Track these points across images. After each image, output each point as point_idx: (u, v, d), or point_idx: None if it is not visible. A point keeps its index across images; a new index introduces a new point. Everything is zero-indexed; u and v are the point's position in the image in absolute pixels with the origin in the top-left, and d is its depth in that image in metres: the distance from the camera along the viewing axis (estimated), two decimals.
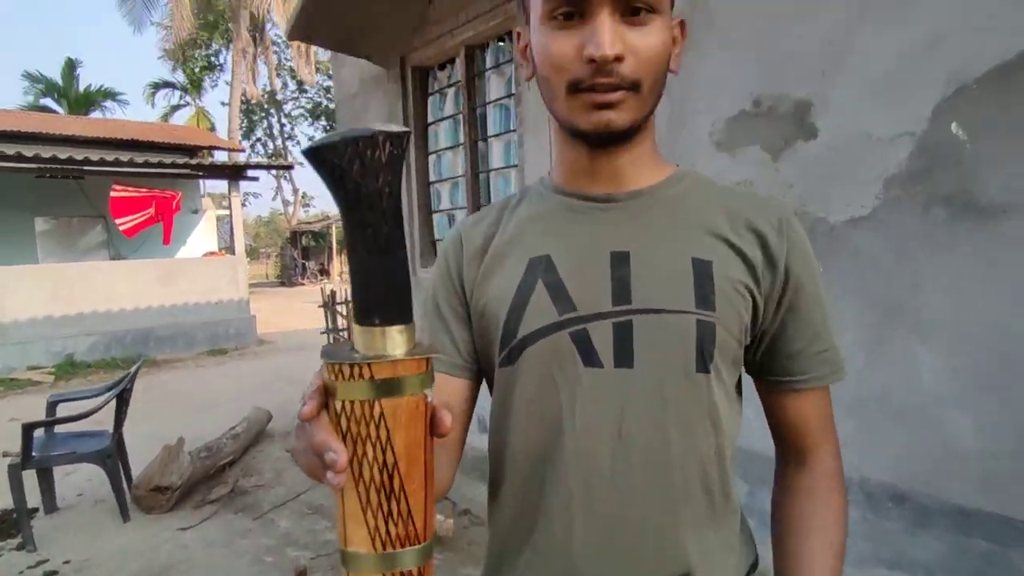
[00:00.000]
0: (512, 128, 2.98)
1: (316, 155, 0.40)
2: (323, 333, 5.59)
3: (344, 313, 5.37)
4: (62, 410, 3.62)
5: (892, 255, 1.71)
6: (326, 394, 0.42)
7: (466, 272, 0.75)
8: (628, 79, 0.62)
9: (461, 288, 0.76)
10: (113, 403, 3.53)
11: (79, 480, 4.02)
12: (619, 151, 0.69)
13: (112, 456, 3.41)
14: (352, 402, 0.41)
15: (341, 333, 5.41)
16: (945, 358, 1.63)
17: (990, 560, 1.59)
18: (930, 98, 1.58)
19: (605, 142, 0.67)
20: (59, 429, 3.58)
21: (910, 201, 1.65)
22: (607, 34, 0.60)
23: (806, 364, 0.71)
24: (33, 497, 3.41)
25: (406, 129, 0.42)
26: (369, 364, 0.40)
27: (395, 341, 0.42)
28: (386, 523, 0.42)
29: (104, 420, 3.55)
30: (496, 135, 3.10)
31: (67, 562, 3.01)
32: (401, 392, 0.41)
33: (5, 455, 3.28)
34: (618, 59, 0.60)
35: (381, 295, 0.42)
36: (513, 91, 2.93)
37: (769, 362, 0.72)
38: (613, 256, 0.68)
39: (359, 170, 0.40)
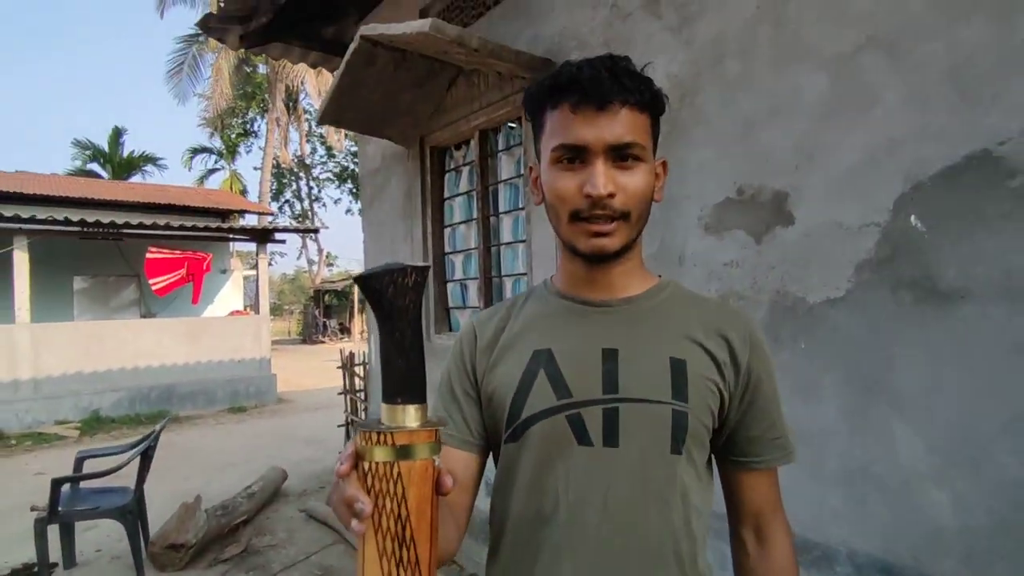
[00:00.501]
0: (521, 206, 3.20)
1: (362, 281, 0.58)
2: (340, 394, 5.72)
3: (361, 375, 5.52)
4: (88, 466, 3.77)
5: (866, 333, 1.82)
6: (357, 457, 0.56)
7: (478, 361, 0.90)
8: (619, 211, 0.78)
9: (473, 374, 0.90)
10: (137, 460, 3.67)
11: (98, 535, 4.13)
12: (612, 266, 0.86)
13: (132, 512, 3.52)
14: (377, 463, 0.54)
15: (358, 394, 5.54)
16: (920, 433, 1.71)
17: None
18: (891, 192, 1.73)
19: (600, 261, 0.83)
20: (84, 484, 3.72)
21: (879, 285, 1.78)
22: (601, 176, 0.77)
23: (762, 448, 0.86)
24: (54, 551, 3.51)
25: (427, 264, 0.62)
26: (391, 433, 0.54)
27: (411, 416, 0.55)
28: (397, 568, 0.52)
29: (126, 474, 3.69)
30: (506, 211, 3.31)
31: None
32: (415, 456, 0.54)
33: (33, 509, 3.42)
34: (611, 196, 0.77)
35: (403, 381, 0.57)
36: (522, 171, 3.16)
37: (731, 445, 0.87)
38: (604, 352, 0.82)
39: (393, 292, 0.57)
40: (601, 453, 0.79)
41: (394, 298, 0.56)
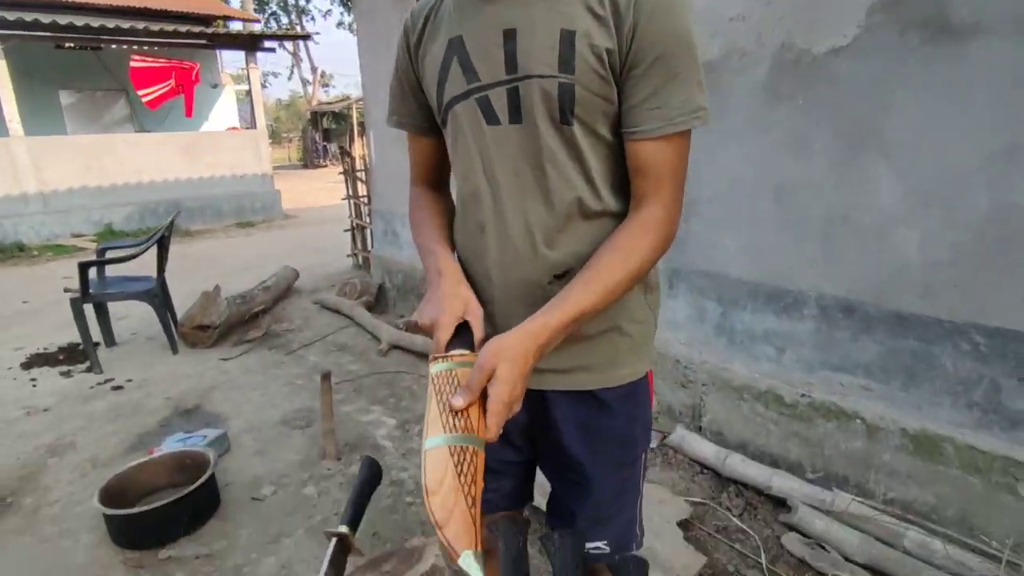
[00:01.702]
0: None
1: None
2: (344, 199, 5.79)
3: (364, 179, 5.53)
4: (110, 257, 3.97)
5: (867, 82, 1.78)
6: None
7: (413, 54, 0.96)
8: None
9: (412, 68, 0.97)
10: (154, 251, 3.86)
11: (131, 323, 4.48)
12: None
13: (158, 296, 3.78)
14: (440, 371, 0.76)
15: (362, 199, 5.61)
16: (902, 178, 1.75)
17: (917, 357, 1.81)
18: None
19: None
20: (109, 273, 3.96)
21: (889, 27, 1.70)
22: None
23: (640, 117, 0.81)
24: (93, 334, 3.84)
25: None
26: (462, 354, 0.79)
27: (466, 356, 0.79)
28: (453, 420, 0.71)
29: (146, 270, 3.91)
30: None
31: (129, 380, 3.47)
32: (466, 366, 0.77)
33: (67, 291, 3.67)
34: None
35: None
36: None
37: (622, 114, 0.83)
38: (504, 32, 0.82)
39: None
40: (508, 130, 0.85)
41: None
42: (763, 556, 1.85)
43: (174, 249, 4.19)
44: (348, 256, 6.07)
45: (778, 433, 2.16)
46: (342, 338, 4.07)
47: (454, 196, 1.01)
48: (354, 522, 0.89)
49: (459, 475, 0.68)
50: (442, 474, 0.67)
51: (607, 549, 1.02)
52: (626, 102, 0.82)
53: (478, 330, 0.83)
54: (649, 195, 0.84)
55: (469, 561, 0.62)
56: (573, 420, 0.96)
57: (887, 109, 1.76)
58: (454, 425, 0.71)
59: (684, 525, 1.96)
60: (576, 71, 0.79)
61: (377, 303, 4.67)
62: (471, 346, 0.81)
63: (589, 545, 1.02)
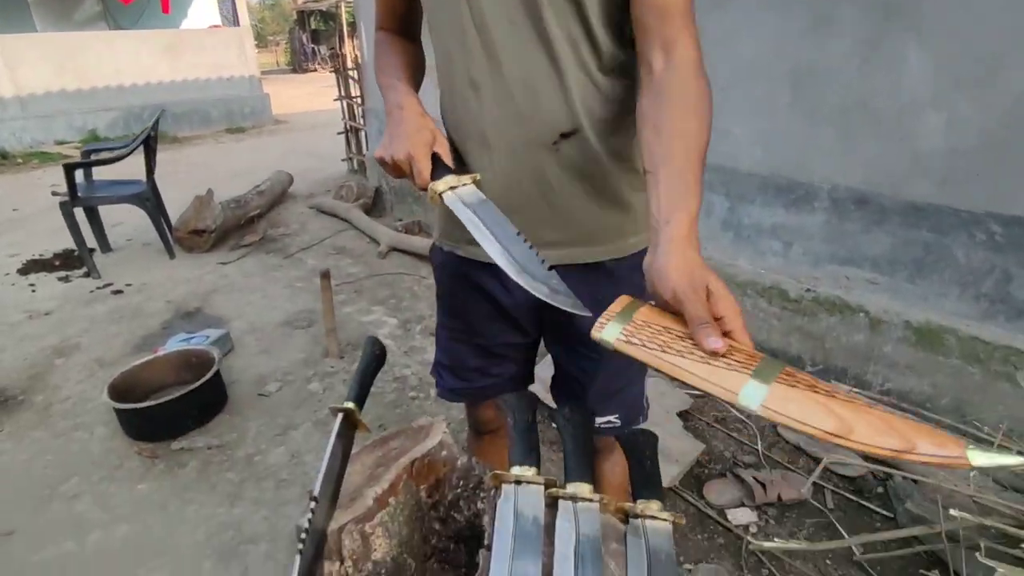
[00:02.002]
0: None
1: None
2: (336, 100, 5.54)
3: (356, 78, 5.26)
4: (94, 160, 3.83)
5: None
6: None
7: None
8: None
9: None
10: (142, 156, 3.71)
11: (126, 229, 4.41)
12: None
13: (150, 199, 3.69)
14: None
15: (355, 99, 5.36)
16: (932, 58, 1.63)
17: (929, 249, 1.77)
18: None
19: None
20: (97, 177, 3.83)
21: None
22: None
23: None
24: (88, 240, 3.78)
25: None
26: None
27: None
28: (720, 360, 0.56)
29: (137, 172, 3.79)
30: None
31: (128, 285, 3.46)
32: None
33: (55, 194, 3.58)
34: None
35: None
36: None
37: None
38: None
39: None
40: None
41: None
42: (759, 443, 1.90)
43: (163, 156, 4.04)
44: (343, 160, 5.89)
45: (780, 328, 2.16)
46: (340, 241, 4.02)
47: (436, 55, 0.90)
48: (360, 399, 0.88)
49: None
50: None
51: (618, 423, 1.03)
52: None
53: (448, 161, 0.80)
54: (676, 35, 0.73)
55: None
56: (585, 293, 0.92)
57: None
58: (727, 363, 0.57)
59: (684, 416, 2.01)
60: None
61: (374, 206, 4.58)
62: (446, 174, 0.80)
63: (600, 420, 1.02)
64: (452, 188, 0.79)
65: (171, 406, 2.06)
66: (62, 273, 3.70)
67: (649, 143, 0.71)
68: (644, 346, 0.60)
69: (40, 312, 3.15)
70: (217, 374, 2.22)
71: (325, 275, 2.41)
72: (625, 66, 0.82)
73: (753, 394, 0.54)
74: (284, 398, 2.31)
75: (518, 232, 0.75)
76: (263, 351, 2.67)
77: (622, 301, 0.66)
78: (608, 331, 0.63)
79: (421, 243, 3.52)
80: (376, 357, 0.95)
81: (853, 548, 1.52)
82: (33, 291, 3.45)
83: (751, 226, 2.20)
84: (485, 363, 1.06)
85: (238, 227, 4.25)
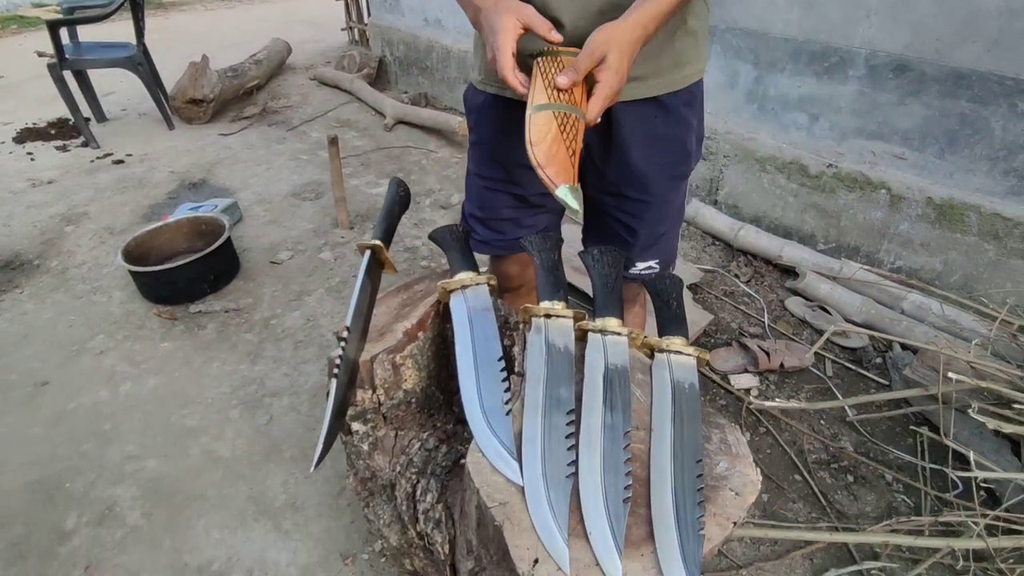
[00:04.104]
0: None
1: None
2: None
3: None
4: (79, 18, 3.59)
5: None
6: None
7: None
8: None
9: None
10: (129, 17, 3.47)
11: (120, 99, 4.23)
12: None
13: (143, 64, 3.50)
14: (548, 58, 0.77)
15: None
16: None
17: (965, 120, 1.70)
18: None
19: None
20: (84, 40, 3.61)
21: None
22: None
23: None
24: (82, 109, 3.63)
25: None
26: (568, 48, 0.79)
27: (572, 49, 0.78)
28: (558, 95, 0.73)
29: (125, 38, 3.56)
30: None
31: (129, 155, 3.37)
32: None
33: (41, 55, 3.39)
34: None
35: None
36: None
37: None
38: None
39: None
40: None
41: None
42: (766, 316, 1.94)
43: (149, 23, 3.76)
44: (343, 30, 5.53)
45: (796, 205, 2.13)
46: (344, 114, 3.87)
47: None
48: (386, 237, 0.88)
49: (562, 131, 0.72)
50: (545, 130, 0.71)
51: (657, 267, 1.04)
52: None
53: (543, 27, 0.77)
54: None
55: (565, 192, 0.68)
56: (640, 132, 0.92)
57: None
58: (558, 97, 0.74)
59: (693, 289, 2.03)
60: None
61: (378, 78, 4.37)
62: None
63: (642, 265, 1.03)
64: (464, 287, 0.82)
65: (186, 270, 2.08)
66: (59, 142, 3.60)
67: None
68: (541, 72, 0.76)
69: (43, 181, 3.10)
70: (228, 241, 2.22)
71: (333, 142, 2.34)
72: None
73: (538, 108, 0.73)
74: (296, 266, 2.33)
75: (500, 358, 0.76)
76: (272, 221, 2.66)
77: (571, 49, 0.78)
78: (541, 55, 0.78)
79: (429, 115, 3.39)
80: (401, 198, 0.94)
81: (846, 408, 1.59)
82: (32, 160, 3.38)
83: (777, 98, 2.10)
84: (520, 213, 1.05)
85: (237, 98, 4.08)
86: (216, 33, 6.46)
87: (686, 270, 2.08)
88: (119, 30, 3.45)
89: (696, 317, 1.87)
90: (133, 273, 2.10)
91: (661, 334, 0.80)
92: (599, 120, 0.75)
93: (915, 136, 1.81)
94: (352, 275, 2.25)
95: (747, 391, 1.67)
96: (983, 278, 1.76)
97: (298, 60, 5.06)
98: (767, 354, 1.72)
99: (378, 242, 0.84)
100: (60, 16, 3.31)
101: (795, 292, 2.02)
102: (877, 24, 1.78)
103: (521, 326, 0.80)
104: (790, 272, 2.09)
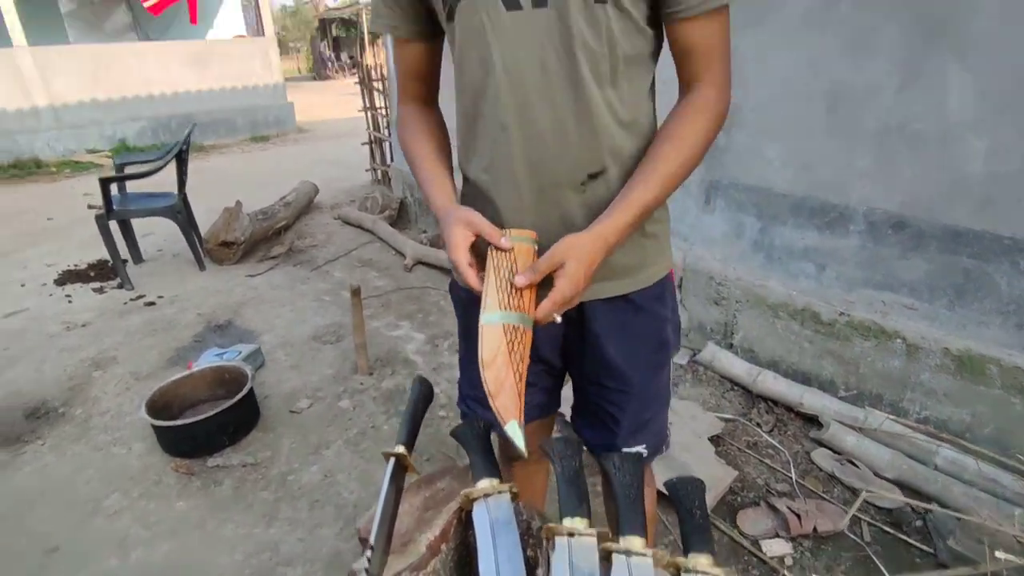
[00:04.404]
0: None
1: None
2: (361, 111, 5.60)
3: (381, 89, 5.32)
4: (128, 172, 3.92)
5: None
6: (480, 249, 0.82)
7: None
8: None
9: None
10: (174, 167, 3.79)
11: (157, 240, 4.50)
12: None
13: (182, 212, 3.76)
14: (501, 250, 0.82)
15: (379, 110, 5.42)
16: (974, 81, 1.61)
17: (969, 275, 1.74)
18: None
19: None
20: (130, 189, 3.92)
21: None
22: None
23: None
24: (121, 251, 3.86)
25: None
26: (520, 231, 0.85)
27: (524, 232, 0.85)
28: (509, 298, 0.77)
29: (166, 187, 3.87)
30: None
31: (160, 296, 3.53)
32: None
33: (91, 207, 3.67)
34: None
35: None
36: None
37: None
38: None
39: None
40: (529, 15, 0.78)
41: None
42: (793, 471, 1.88)
43: (190, 165, 4.13)
44: (367, 171, 5.95)
45: (812, 351, 2.14)
46: (366, 254, 4.06)
47: (461, 94, 0.91)
48: (410, 442, 0.89)
49: (511, 352, 0.75)
50: (495, 350, 0.74)
51: (646, 452, 1.04)
52: None
53: (493, 235, 0.82)
54: (700, 74, 0.83)
55: (514, 429, 0.71)
56: (612, 328, 0.96)
57: (963, 2, 1.58)
58: (509, 303, 0.77)
59: (715, 441, 2.00)
60: None
61: (399, 218, 4.62)
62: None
63: (629, 451, 1.03)
64: (486, 496, 0.82)
65: (207, 424, 2.10)
66: (96, 284, 3.79)
67: (650, 149, 0.85)
68: (494, 267, 0.80)
69: (77, 324, 3.23)
70: (250, 392, 2.26)
71: (356, 292, 2.44)
72: (647, 106, 0.89)
73: (490, 318, 0.77)
74: (315, 415, 2.34)
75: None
76: (293, 366, 2.71)
77: (524, 232, 0.84)
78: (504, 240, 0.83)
79: (447, 257, 3.54)
80: (424, 397, 0.96)
81: None
82: (69, 302, 3.54)
83: (782, 248, 2.18)
84: None
85: (265, 238, 4.32)
86: (251, 173, 6.97)
87: (706, 420, 2.05)
88: (162, 175, 3.75)
89: (720, 473, 1.82)
90: (154, 426, 2.12)
91: (686, 548, 0.79)
92: (554, 319, 0.79)
93: (923, 288, 1.85)
94: (370, 425, 2.25)
95: (781, 560, 1.58)
96: (1016, 432, 1.72)
97: (325, 199, 5.41)
98: (798, 516, 1.65)
99: (402, 451, 0.86)
100: (112, 173, 3.61)
101: (820, 443, 1.97)
102: (870, 184, 1.89)
103: (544, 543, 0.79)
104: (813, 421, 2.05)
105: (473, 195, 0.94)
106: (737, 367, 2.29)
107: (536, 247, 0.86)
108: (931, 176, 1.75)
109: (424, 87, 1.01)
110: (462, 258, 0.82)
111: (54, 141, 8.12)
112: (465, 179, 0.97)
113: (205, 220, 4.26)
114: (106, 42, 9.75)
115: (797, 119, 2.03)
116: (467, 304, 1.05)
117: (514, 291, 0.78)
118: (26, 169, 7.67)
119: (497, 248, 0.83)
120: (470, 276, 0.81)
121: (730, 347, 2.42)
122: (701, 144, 0.82)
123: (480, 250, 0.84)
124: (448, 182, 0.92)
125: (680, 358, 2.49)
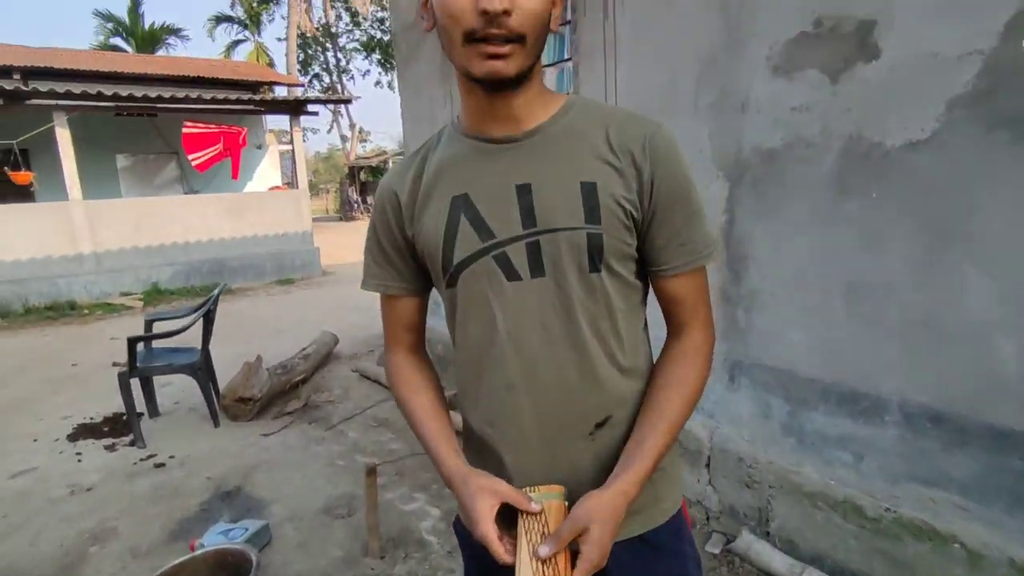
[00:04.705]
0: (567, 57, 2.97)
1: None
2: None
3: None
4: (157, 327, 4.03)
5: (950, 178, 1.68)
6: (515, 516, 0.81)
7: (405, 217, 0.92)
8: (515, 32, 0.74)
9: (401, 231, 0.93)
10: (200, 323, 3.89)
11: (174, 391, 4.51)
12: (512, 96, 0.82)
13: (202, 369, 3.80)
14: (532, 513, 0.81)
15: None
16: (996, 284, 1.62)
17: (1023, 479, 1.64)
18: (1002, 11, 1.51)
19: (497, 87, 0.80)
20: (156, 344, 4.00)
21: (973, 123, 1.61)
22: None
23: (669, 255, 0.86)
24: (138, 403, 3.86)
25: None
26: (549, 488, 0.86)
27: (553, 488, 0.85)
28: (542, 567, 0.76)
29: (191, 339, 3.95)
30: (550, 64, 3.09)
31: (172, 457, 3.45)
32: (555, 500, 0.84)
33: (115, 365, 3.72)
34: (506, 13, 0.72)
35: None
36: (569, 18, 2.90)
37: (645, 254, 0.88)
38: (518, 188, 0.83)
39: None
40: (529, 285, 0.84)
41: None
42: None
43: (216, 309, 4.27)
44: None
45: (859, 548, 1.97)
46: (383, 412, 4.00)
47: (462, 352, 0.94)
48: None
49: None
50: None
51: None
52: (652, 242, 0.86)
53: (521, 502, 0.82)
54: (687, 321, 0.90)
55: None
56: (634, 569, 0.92)
57: (974, 207, 1.65)
58: (544, 572, 0.76)
59: None
60: (603, 221, 0.82)
61: None
62: (514, 519, 0.82)
63: None
64: None
65: None
66: (109, 440, 3.74)
67: (649, 397, 0.89)
68: (525, 532, 0.79)
69: (83, 487, 3.13)
70: None
71: (371, 472, 2.36)
72: (644, 347, 0.94)
73: None
74: None
75: None
76: (301, 544, 2.55)
77: (552, 488, 0.85)
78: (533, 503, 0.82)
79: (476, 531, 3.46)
80: None
81: None
82: (79, 460, 3.47)
83: (815, 433, 2.10)
84: None
85: (282, 392, 4.30)
86: (274, 318, 7.14)
87: None
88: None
89: None
90: None
91: None
92: None
93: (973, 488, 1.74)
94: None
95: None
96: None
97: (344, 347, 5.46)
98: None
99: None
100: (140, 334, 3.71)
101: None
102: (901, 376, 1.85)
103: None
104: None
105: (477, 445, 0.94)
106: (777, 561, 2.10)
107: (567, 501, 0.84)
108: (965, 372, 1.71)
109: (415, 336, 1.03)
110: (491, 533, 0.79)
111: (91, 284, 8.50)
112: (466, 424, 0.97)
113: (224, 368, 4.28)
114: (154, 194, 10.57)
115: (817, 306, 2.04)
116: (471, 548, 0.99)
117: (546, 560, 0.76)
118: (60, 311, 7.95)
119: (527, 513, 0.80)
120: (501, 551, 0.78)
121: (767, 535, 2.25)
122: (701, 385, 0.88)
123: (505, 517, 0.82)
124: (453, 439, 0.92)
125: (713, 546, 2.31)
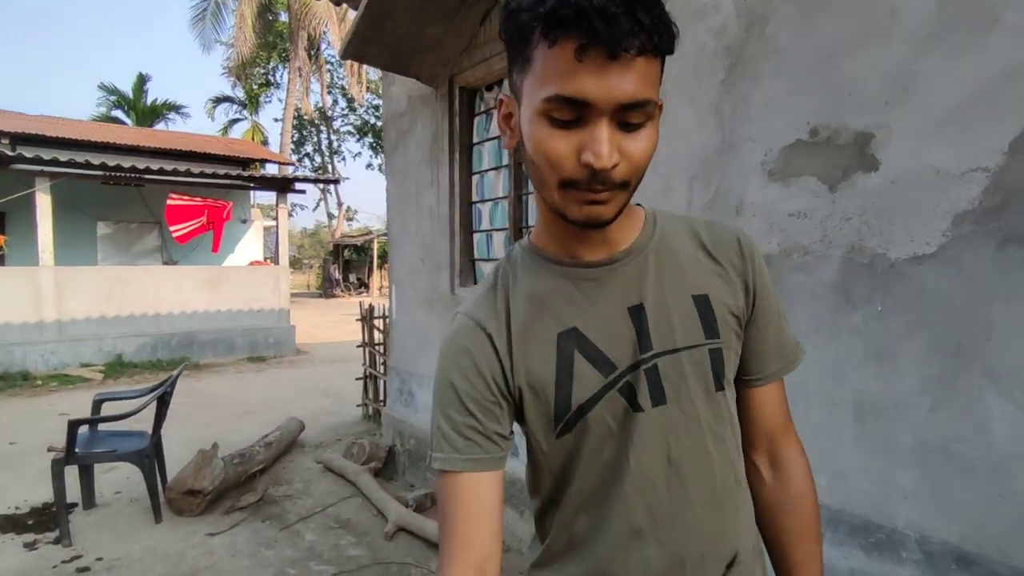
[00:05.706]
0: None
1: None
2: (359, 347, 5.62)
3: (381, 328, 5.40)
4: (106, 408, 3.72)
5: (962, 295, 1.59)
6: None
7: (505, 365, 0.76)
8: (620, 181, 0.66)
9: (497, 384, 0.76)
10: (154, 405, 3.61)
11: (118, 477, 4.12)
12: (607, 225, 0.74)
13: (150, 457, 3.47)
14: None
15: (377, 347, 5.43)
16: (1017, 407, 1.50)
17: None
18: (1006, 131, 1.48)
19: (594, 227, 0.71)
20: (102, 427, 3.68)
21: (982, 239, 1.54)
22: (606, 145, 0.62)
23: (765, 363, 0.83)
24: (73, 492, 3.50)
25: None
26: None
27: None
28: None
29: (143, 420, 3.64)
30: None
31: (99, 559, 3.06)
32: None
33: (50, 450, 3.38)
34: (614, 167, 0.64)
35: None
36: None
37: (743, 364, 0.83)
38: (630, 311, 0.76)
39: None
40: (652, 415, 0.76)
41: None
42: None
43: (180, 385, 3.95)
44: (358, 406, 5.77)
45: None
46: (345, 511, 3.66)
47: (565, 512, 0.80)
48: None
49: None
50: None
51: None
52: (752, 350, 0.82)
53: None
54: (783, 433, 0.87)
55: None
56: None
57: (991, 326, 1.54)
58: None
59: None
60: (721, 334, 0.78)
61: (386, 467, 4.29)
62: None
63: None
64: None
65: None
66: (31, 536, 3.33)
67: (778, 562, 0.87)
68: None
69: None
70: None
71: None
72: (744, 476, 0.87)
73: None
74: None
75: None
76: None
77: None
78: None
79: (433, 528, 3.15)
80: None
81: None
82: None
83: (827, 566, 1.88)
84: None
85: (237, 484, 3.94)
86: (239, 398, 6.77)
87: None
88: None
89: None
90: None
91: None
92: None
93: None
94: None
95: None
96: None
97: (310, 435, 5.13)
98: None
99: None
100: (83, 417, 3.41)
101: None
102: (918, 507, 1.67)
103: None
104: None
105: None
106: None
107: None
108: (992, 507, 1.54)
109: (492, 530, 0.74)
110: None
111: (49, 354, 8.09)
112: None
113: (177, 453, 3.93)
114: (132, 262, 10.37)
115: (821, 425, 1.89)
116: None
117: None
118: (10, 381, 7.49)
119: None
120: None
121: None
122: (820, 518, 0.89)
123: None
124: None
125: None
